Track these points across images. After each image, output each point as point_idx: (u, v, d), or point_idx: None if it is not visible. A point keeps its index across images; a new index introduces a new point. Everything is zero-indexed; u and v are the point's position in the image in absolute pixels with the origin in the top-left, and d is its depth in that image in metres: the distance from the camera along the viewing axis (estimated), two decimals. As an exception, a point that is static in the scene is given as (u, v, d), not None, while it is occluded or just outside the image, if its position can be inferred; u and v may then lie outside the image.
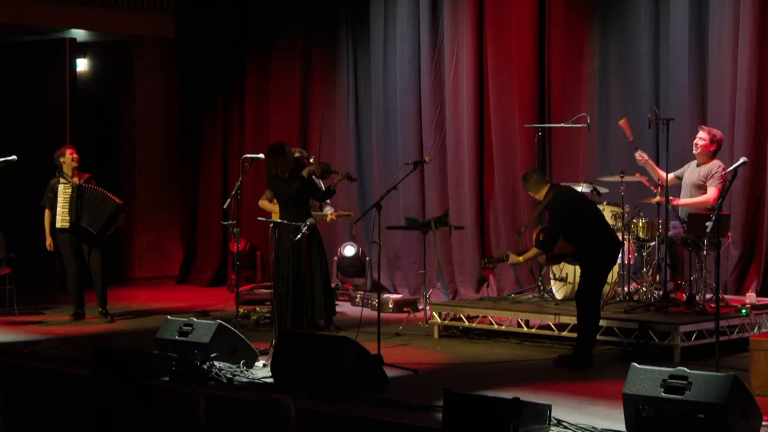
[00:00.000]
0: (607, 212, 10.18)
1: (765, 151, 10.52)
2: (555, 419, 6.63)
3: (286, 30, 14.18)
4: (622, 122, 10.25)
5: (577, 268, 10.22)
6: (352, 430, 6.99)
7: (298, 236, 9.62)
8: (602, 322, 9.36)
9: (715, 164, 9.87)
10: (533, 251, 9.09)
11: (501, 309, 10.19)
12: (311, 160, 10.78)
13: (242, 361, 8.38)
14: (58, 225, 11.26)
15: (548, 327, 9.70)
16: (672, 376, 6.29)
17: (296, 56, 13.98)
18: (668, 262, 9.86)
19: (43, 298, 12.85)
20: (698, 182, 9.91)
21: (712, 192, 9.78)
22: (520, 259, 9.20)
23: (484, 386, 7.85)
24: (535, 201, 9.52)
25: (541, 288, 10.67)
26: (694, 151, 9.97)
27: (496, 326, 10.09)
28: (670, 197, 9.84)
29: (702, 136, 9.89)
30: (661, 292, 9.70)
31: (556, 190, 8.95)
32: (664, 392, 6.26)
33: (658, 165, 10.02)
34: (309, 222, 9.88)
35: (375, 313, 9.43)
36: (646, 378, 6.36)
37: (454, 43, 12.36)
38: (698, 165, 9.96)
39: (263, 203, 11.30)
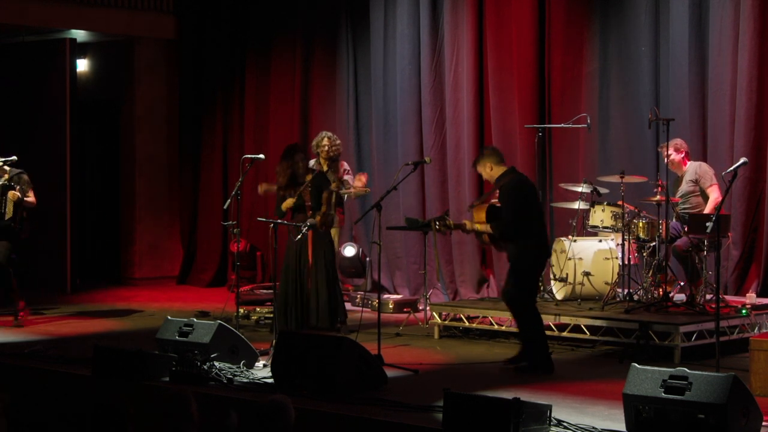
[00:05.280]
0: (607, 212, 10.19)
1: (765, 151, 10.52)
2: (555, 419, 6.63)
3: (286, 30, 14.17)
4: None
5: (578, 268, 10.25)
6: (352, 430, 6.98)
7: (299, 236, 9.66)
8: (603, 323, 9.38)
9: (694, 166, 10.04)
10: (487, 226, 8.54)
11: (501, 309, 10.13)
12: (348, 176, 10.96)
13: (242, 362, 8.38)
14: None
15: (548, 327, 9.69)
16: (672, 377, 6.30)
17: (296, 56, 13.98)
18: (687, 275, 9.87)
19: (43, 298, 12.86)
20: (690, 188, 10.06)
21: (713, 192, 9.86)
22: (477, 227, 8.61)
23: (484, 386, 7.85)
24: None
25: (541, 288, 10.65)
26: (669, 168, 10.11)
27: (496, 326, 10.09)
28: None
29: (669, 153, 10.05)
30: (661, 292, 9.70)
31: (515, 175, 8.62)
32: (664, 392, 6.26)
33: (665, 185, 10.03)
34: (309, 222, 9.90)
35: (375, 314, 9.43)
36: (647, 378, 6.36)
37: (454, 43, 12.36)
38: (680, 175, 10.14)
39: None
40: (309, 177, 10.11)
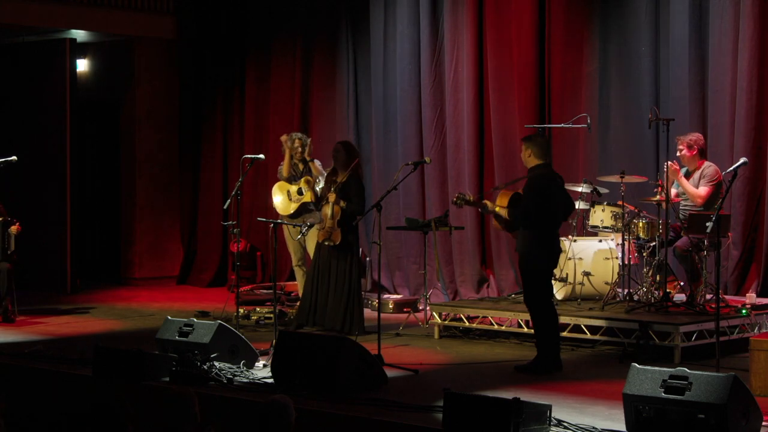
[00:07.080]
0: (608, 212, 10.20)
1: (765, 151, 10.52)
2: (555, 419, 6.63)
3: (285, 30, 14.17)
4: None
5: (578, 268, 10.25)
6: (352, 430, 6.98)
7: (298, 237, 9.72)
8: (603, 323, 9.38)
9: (705, 165, 9.99)
10: (505, 210, 8.66)
11: (501, 309, 10.20)
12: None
13: (242, 362, 8.38)
14: None
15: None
16: (672, 377, 6.30)
17: (296, 56, 13.98)
18: (687, 275, 9.86)
19: (43, 298, 12.86)
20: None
21: (703, 190, 9.85)
22: (497, 209, 8.74)
23: (484, 386, 7.85)
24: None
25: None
26: (681, 161, 10.05)
27: (496, 326, 10.10)
28: (671, 163, 9.86)
29: (680, 148, 10.03)
30: (661, 292, 9.70)
31: (547, 170, 8.61)
32: (665, 392, 6.26)
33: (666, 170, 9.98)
34: (309, 222, 9.94)
35: (375, 314, 9.43)
36: (647, 378, 6.36)
37: (454, 44, 12.36)
38: (690, 171, 10.07)
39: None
40: (343, 178, 10.24)
